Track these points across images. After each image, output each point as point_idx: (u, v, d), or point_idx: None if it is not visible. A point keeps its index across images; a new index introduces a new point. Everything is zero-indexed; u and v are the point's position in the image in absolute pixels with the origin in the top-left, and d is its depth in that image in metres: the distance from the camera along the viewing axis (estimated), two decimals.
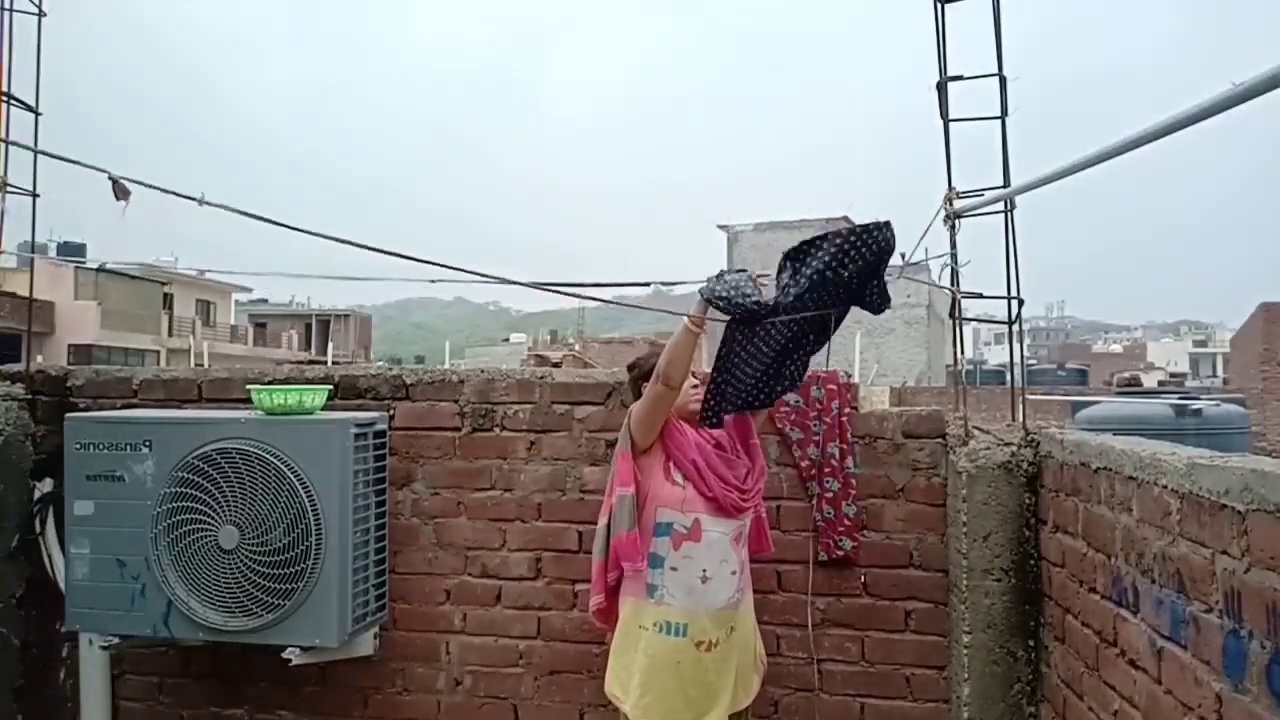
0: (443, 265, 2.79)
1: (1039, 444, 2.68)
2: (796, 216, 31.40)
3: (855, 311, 2.51)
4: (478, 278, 2.85)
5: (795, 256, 2.41)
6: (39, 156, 3.28)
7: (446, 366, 6.25)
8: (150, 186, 2.65)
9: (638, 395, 2.68)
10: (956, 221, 2.85)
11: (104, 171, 2.57)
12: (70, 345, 29.81)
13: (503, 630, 3.30)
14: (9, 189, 3.19)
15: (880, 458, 3.12)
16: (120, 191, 2.60)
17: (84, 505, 3.03)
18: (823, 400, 3.13)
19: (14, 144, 2.97)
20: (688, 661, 2.50)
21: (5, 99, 3.08)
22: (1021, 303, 2.78)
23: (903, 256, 2.89)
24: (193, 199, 2.63)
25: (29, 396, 3.38)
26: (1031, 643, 2.67)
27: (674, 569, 2.53)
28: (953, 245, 2.87)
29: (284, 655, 2.95)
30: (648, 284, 3.26)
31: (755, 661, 2.72)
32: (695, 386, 2.66)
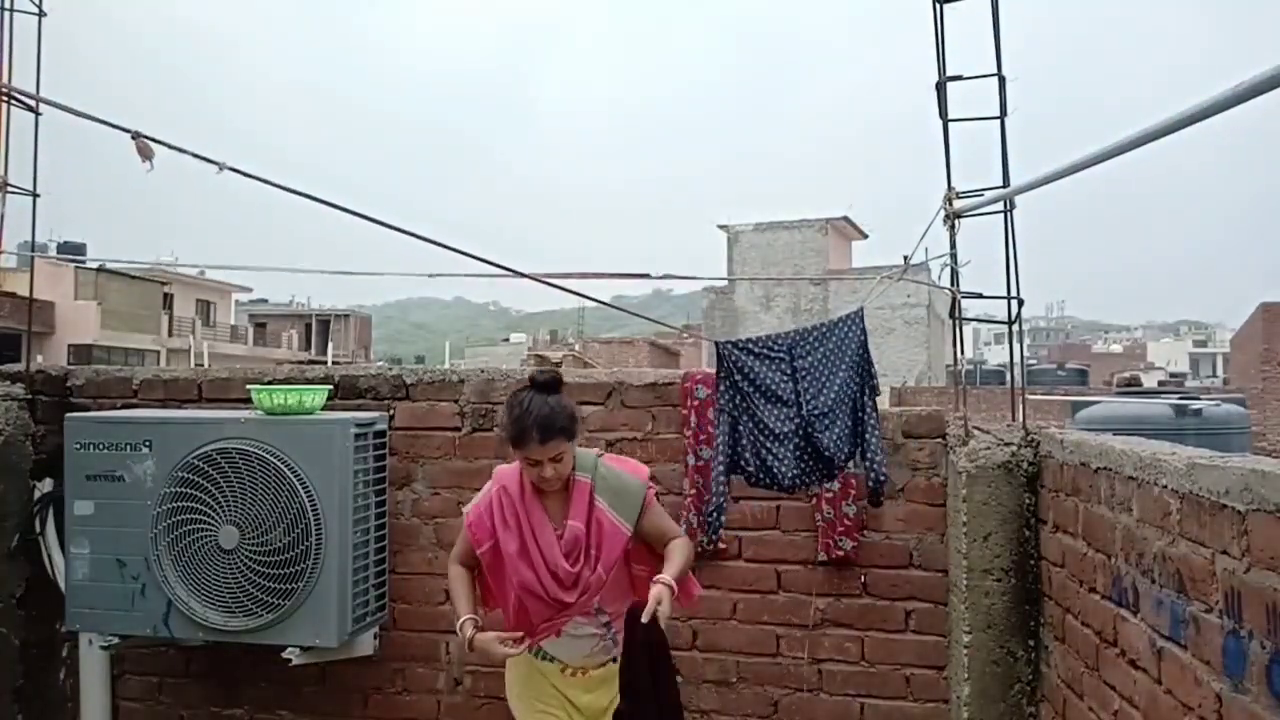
0: (472, 256, 2.69)
1: (1039, 444, 2.68)
2: (797, 216, 31.42)
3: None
4: (495, 269, 2.79)
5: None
6: (39, 156, 3.28)
7: (446, 366, 6.25)
8: (174, 148, 2.59)
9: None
10: (956, 221, 2.85)
11: (128, 131, 2.53)
12: (70, 345, 29.81)
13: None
14: (9, 189, 3.19)
15: None
16: (144, 151, 2.56)
17: (84, 505, 3.03)
18: None
19: (19, 91, 2.91)
20: (553, 675, 2.47)
21: (6, 99, 3.08)
22: (1021, 303, 2.77)
23: (905, 259, 2.89)
24: (214, 163, 2.58)
25: (29, 396, 3.38)
26: (1031, 643, 2.67)
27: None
28: (952, 245, 2.86)
29: (284, 655, 2.95)
30: (647, 275, 3.24)
31: None
32: (555, 458, 2.29)
